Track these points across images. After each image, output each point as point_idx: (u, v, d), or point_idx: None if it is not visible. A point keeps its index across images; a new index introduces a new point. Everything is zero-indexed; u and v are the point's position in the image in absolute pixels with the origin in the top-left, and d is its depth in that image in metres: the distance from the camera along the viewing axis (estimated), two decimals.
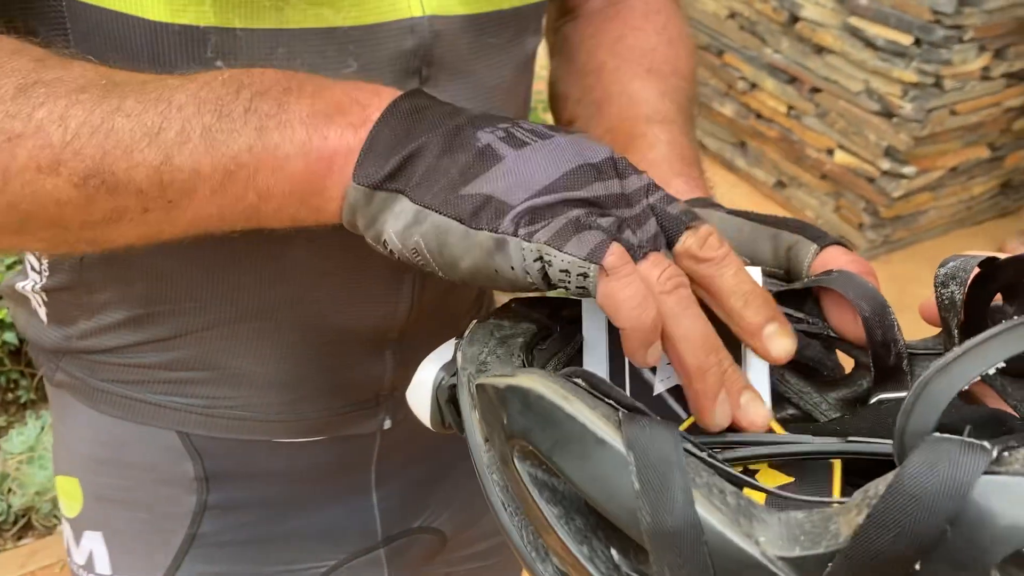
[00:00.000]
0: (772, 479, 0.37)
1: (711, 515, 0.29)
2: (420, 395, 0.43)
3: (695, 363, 0.38)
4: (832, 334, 0.44)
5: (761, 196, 2.92)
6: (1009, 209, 2.89)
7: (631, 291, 0.37)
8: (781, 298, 0.44)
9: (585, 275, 0.38)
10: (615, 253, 0.38)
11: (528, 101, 0.66)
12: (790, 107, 2.76)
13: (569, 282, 0.38)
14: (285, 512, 0.68)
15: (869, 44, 2.51)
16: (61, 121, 0.41)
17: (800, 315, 0.44)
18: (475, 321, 0.44)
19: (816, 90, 2.68)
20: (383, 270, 0.59)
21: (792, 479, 0.37)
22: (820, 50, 2.65)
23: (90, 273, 0.59)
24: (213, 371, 0.61)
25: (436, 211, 0.40)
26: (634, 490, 0.30)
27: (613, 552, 0.33)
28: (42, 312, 0.64)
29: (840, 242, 0.47)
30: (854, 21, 2.53)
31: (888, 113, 2.49)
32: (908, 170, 2.51)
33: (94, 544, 0.68)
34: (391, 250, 0.42)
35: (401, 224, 0.41)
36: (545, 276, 0.39)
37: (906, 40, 2.42)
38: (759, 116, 2.88)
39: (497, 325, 0.43)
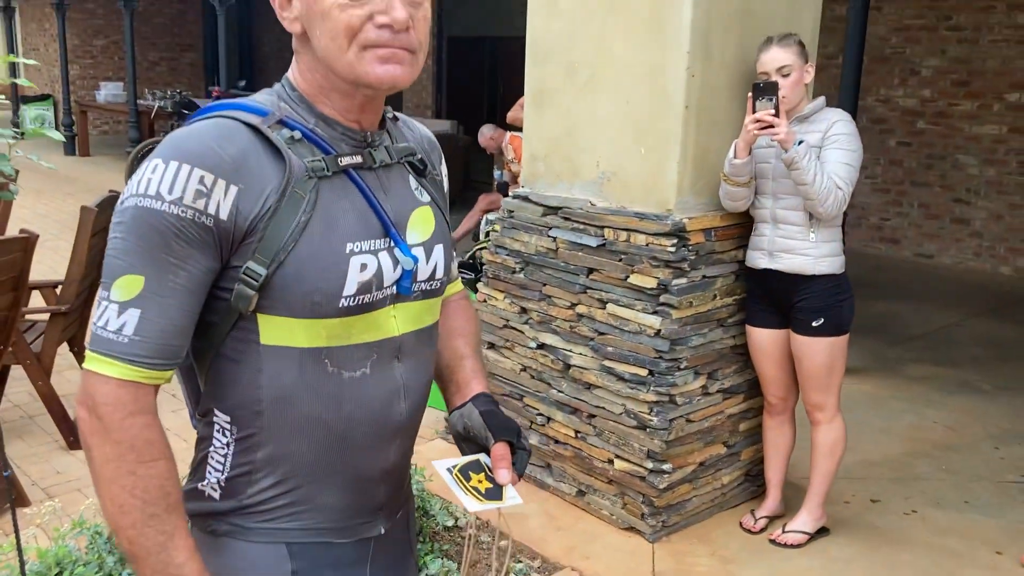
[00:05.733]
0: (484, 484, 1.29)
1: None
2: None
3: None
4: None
5: (567, 505, 3.61)
6: (756, 493, 3.70)
7: None
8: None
9: None
10: None
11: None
12: (576, 431, 3.56)
13: None
14: None
15: (620, 378, 3.40)
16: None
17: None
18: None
19: (592, 415, 3.51)
20: (379, 452, 1.28)
21: (491, 485, 1.28)
22: (589, 386, 3.52)
23: (260, 473, 1.21)
24: (309, 504, 1.23)
25: None
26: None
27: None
28: (216, 494, 1.23)
29: (507, 440, 1.31)
30: (607, 363, 3.45)
31: (644, 426, 3.32)
32: (667, 467, 3.30)
33: None
34: None
35: None
36: None
37: (643, 372, 3.33)
38: (556, 441, 3.67)
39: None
